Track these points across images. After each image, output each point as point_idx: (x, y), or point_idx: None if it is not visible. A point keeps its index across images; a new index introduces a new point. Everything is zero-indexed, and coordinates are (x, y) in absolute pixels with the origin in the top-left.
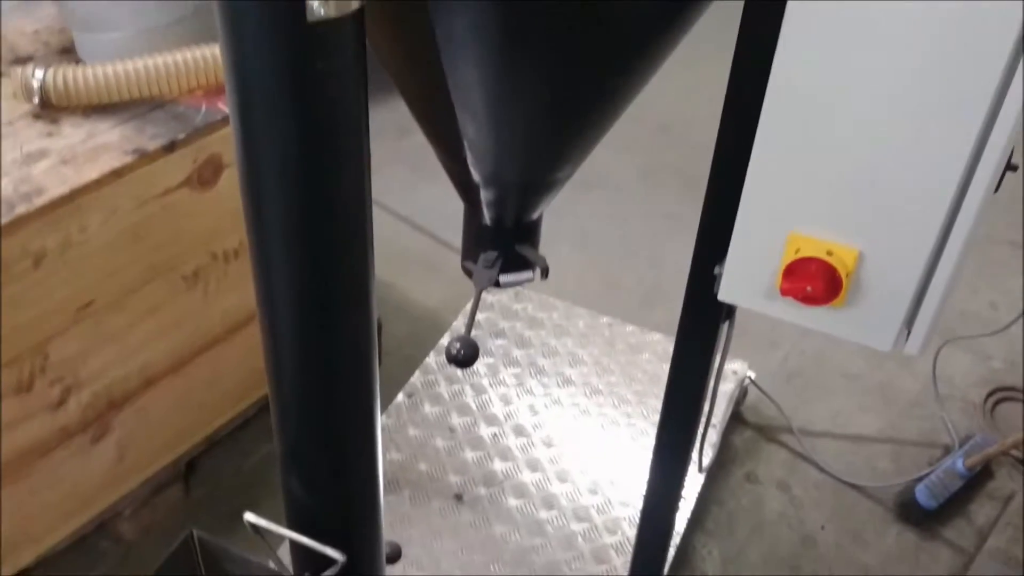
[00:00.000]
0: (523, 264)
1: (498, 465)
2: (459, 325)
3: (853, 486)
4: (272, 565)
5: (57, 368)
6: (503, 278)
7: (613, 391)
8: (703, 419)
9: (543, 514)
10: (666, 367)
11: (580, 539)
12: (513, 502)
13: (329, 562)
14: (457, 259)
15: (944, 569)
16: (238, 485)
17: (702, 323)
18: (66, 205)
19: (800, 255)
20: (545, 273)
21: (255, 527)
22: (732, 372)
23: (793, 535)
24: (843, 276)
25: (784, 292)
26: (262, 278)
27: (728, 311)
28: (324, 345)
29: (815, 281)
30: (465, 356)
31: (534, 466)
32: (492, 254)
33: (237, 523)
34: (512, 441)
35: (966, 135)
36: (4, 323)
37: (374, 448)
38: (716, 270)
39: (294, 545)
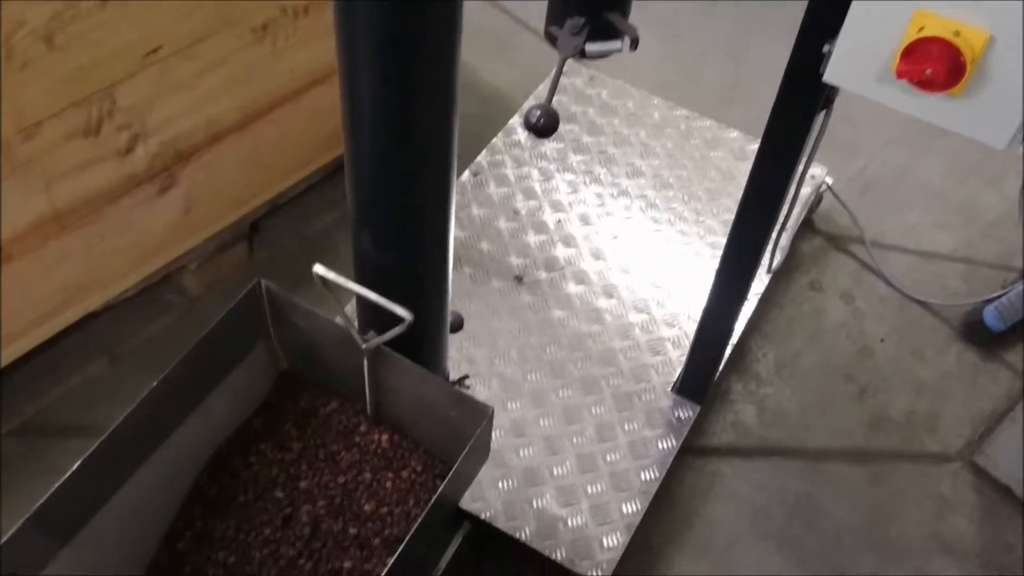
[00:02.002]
0: (611, 33)
1: (560, 251)
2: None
3: (919, 302)
4: (338, 320)
5: (124, 114)
6: (589, 47)
7: (684, 186)
8: (780, 219)
9: (602, 302)
10: (742, 166)
11: (637, 329)
12: (573, 288)
13: (394, 322)
14: (533, 39)
15: (1002, 390)
16: (299, 250)
17: (797, 110)
18: None
19: (923, 34)
20: (635, 44)
21: (324, 280)
22: (810, 176)
23: (851, 345)
24: (967, 61)
25: (900, 74)
26: (345, 26)
27: (828, 97)
28: (405, 100)
29: (936, 64)
30: (545, 125)
31: (597, 255)
32: (579, 20)
33: (298, 285)
34: (576, 229)
35: None
36: (70, 62)
37: (447, 209)
38: (825, 48)
39: (360, 303)
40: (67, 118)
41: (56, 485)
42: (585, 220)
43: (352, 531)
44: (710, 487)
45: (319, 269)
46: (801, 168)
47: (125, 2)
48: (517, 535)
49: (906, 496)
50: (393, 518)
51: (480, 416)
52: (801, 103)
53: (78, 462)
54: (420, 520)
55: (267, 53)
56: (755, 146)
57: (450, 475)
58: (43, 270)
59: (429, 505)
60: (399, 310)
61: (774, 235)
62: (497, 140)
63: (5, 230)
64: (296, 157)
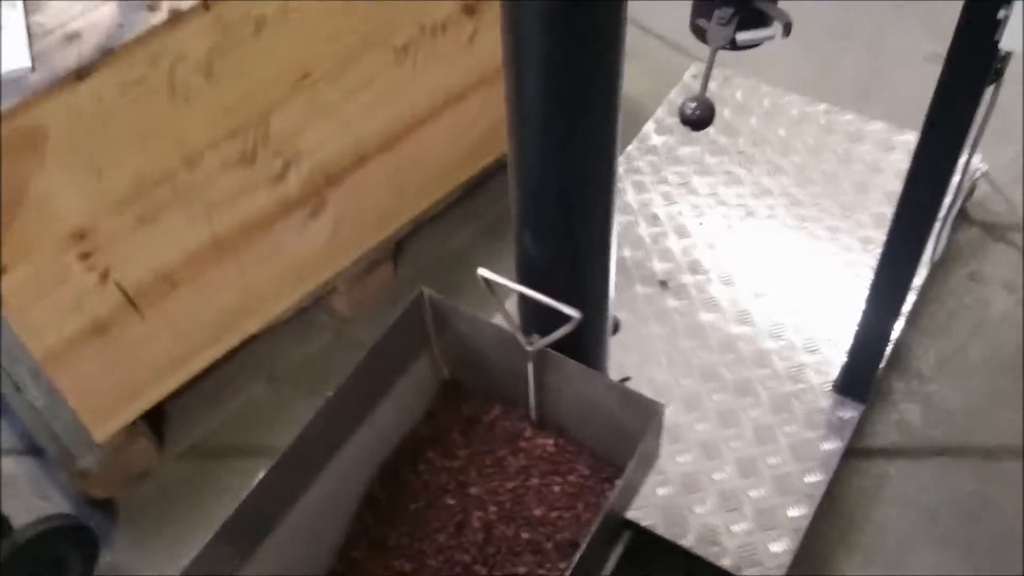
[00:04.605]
0: (761, 20)
1: (704, 254)
2: (662, 114)
3: None
4: (502, 323)
5: (278, 140)
6: (740, 36)
7: (829, 181)
8: (945, 206)
9: (751, 303)
10: (889, 157)
11: (790, 329)
12: (719, 291)
13: (557, 323)
14: (659, 45)
15: None
16: (442, 266)
17: (966, 84)
18: None
19: None
20: (787, 30)
21: (488, 283)
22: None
23: (1018, 338)
24: None
25: None
26: (512, 23)
27: (998, 70)
28: (573, 90)
29: None
30: (701, 116)
31: (742, 255)
32: (728, 10)
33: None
34: (719, 230)
35: None
36: (228, 90)
37: (610, 208)
38: (1001, 14)
39: (522, 306)
40: (226, 147)
41: (239, 503)
42: (728, 221)
43: (524, 536)
44: (877, 490)
45: (483, 272)
46: (969, 146)
47: (278, 29)
48: (680, 542)
49: None
50: (563, 522)
51: (650, 414)
52: (970, 77)
53: (259, 477)
54: (596, 525)
55: (408, 73)
56: (902, 136)
57: (625, 476)
58: (205, 296)
59: (603, 511)
60: (567, 309)
61: (939, 223)
62: (632, 148)
63: (173, 258)
64: (436, 175)
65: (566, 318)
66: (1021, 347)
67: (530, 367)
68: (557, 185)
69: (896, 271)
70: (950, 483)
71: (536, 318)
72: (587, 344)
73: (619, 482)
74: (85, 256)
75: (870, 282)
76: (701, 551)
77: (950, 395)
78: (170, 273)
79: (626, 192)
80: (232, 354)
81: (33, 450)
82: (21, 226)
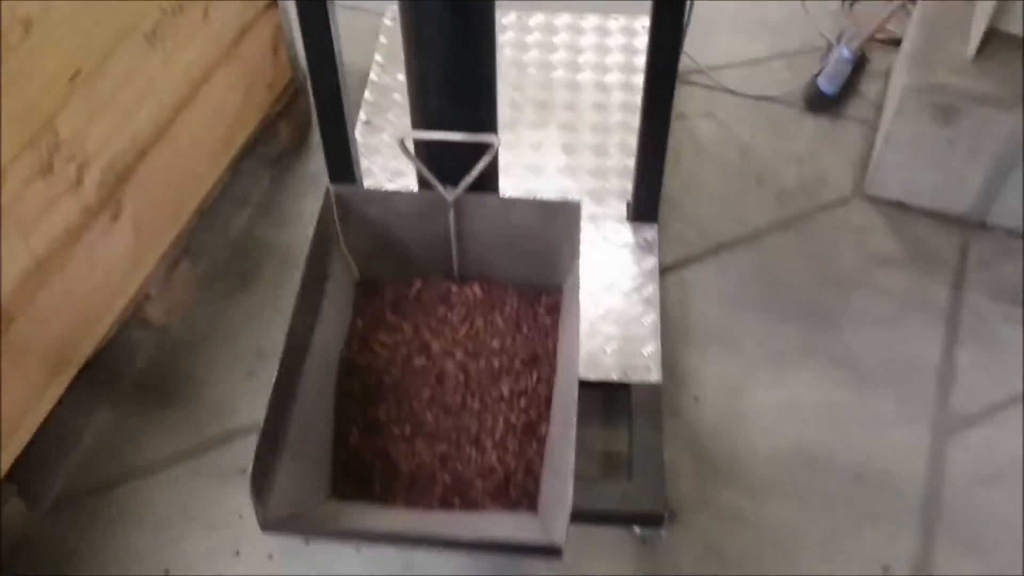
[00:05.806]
0: None
1: None
2: (379, 57)
3: (764, 98)
4: (421, 174)
5: (68, 145)
6: None
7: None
8: None
9: (534, 182)
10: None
11: (574, 191)
12: None
13: (460, 172)
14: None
15: (858, 136)
16: (234, 254)
17: None
18: None
19: None
20: None
21: (403, 145)
22: (641, 28)
23: (731, 150)
24: None
25: None
26: None
27: None
28: None
29: None
30: None
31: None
32: None
33: (247, 284)
34: None
35: None
36: (15, 99)
37: (493, 46)
38: None
39: (430, 163)
40: (24, 160)
41: (263, 419)
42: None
43: (495, 364)
44: (685, 293)
45: (401, 135)
46: None
47: (44, 29)
48: None
49: (830, 237)
50: (517, 344)
51: (573, 212)
52: None
53: (265, 413)
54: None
55: (161, 59)
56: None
57: (572, 272)
58: (39, 327)
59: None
60: (486, 137)
61: None
62: (368, 94)
63: (5, 290)
64: (208, 157)
65: (472, 161)
66: (736, 156)
67: (451, 217)
68: (456, 42)
69: (657, 116)
70: (735, 267)
71: (443, 171)
72: (492, 176)
73: (572, 278)
74: None
75: (639, 132)
76: (593, 376)
77: (703, 207)
78: (6, 308)
79: (383, 131)
80: (68, 389)
81: None
82: None
